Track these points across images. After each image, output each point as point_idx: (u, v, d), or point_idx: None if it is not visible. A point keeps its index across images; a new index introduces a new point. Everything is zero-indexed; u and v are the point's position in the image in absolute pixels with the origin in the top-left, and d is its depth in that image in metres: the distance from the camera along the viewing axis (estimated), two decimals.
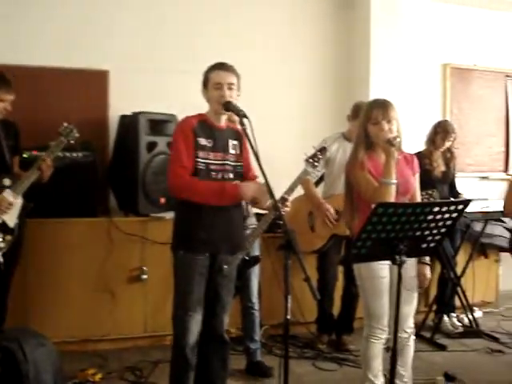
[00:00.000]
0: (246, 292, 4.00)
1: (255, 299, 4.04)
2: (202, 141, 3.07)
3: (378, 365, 3.35)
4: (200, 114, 3.16)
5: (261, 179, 2.81)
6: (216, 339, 3.30)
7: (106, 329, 4.32)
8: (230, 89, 3.08)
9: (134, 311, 4.41)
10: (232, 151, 3.19)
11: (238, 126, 3.63)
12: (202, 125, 3.11)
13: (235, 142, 3.22)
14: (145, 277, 4.39)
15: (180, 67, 4.30)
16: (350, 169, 3.34)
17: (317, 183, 4.74)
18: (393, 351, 2.74)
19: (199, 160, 3.05)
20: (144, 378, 3.87)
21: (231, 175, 3.16)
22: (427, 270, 3.39)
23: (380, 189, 3.11)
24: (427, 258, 3.41)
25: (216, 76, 3.09)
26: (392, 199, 3.08)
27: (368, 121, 3.25)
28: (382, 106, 3.24)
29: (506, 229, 5.56)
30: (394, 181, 3.11)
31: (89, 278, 4.30)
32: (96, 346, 4.30)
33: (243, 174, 3.25)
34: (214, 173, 3.09)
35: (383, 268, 3.22)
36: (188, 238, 3.12)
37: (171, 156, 3.14)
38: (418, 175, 3.40)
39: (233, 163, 3.17)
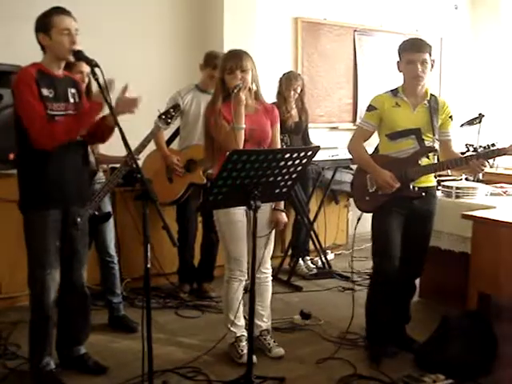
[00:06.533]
0: (103, 246, 3.97)
1: (113, 252, 4.01)
2: (45, 91, 2.94)
3: (238, 307, 3.50)
4: (35, 64, 2.99)
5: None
6: (76, 294, 3.28)
7: None
8: (76, 35, 2.96)
9: None
10: (71, 100, 3.09)
11: (86, 78, 3.59)
12: (41, 74, 2.95)
13: (73, 91, 3.12)
14: None
15: (25, 14, 3.99)
16: (207, 116, 3.43)
17: (173, 135, 4.76)
18: (251, 292, 2.86)
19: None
20: (3, 339, 3.74)
21: None
22: (282, 216, 3.56)
23: (230, 133, 3.25)
24: (281, 206, 3.57)
25: (62, 21, 2.92)
26: (241, 144, 3.23)
27: (224, 70, 3.35)
28: (237, 56, 3.35)
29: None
30: (243, 126, 3.26)
31: None
32: None
33: None
34: None
35: (239, 213, 3.36)
36: (39, 194, 3.03)
37: (24, 110, 2.92)
38: (278, 125, 3.55)
39: (74, 112, 3.07)
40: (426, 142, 3.47)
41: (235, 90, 3.25)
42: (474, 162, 3.31)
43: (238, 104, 3.26)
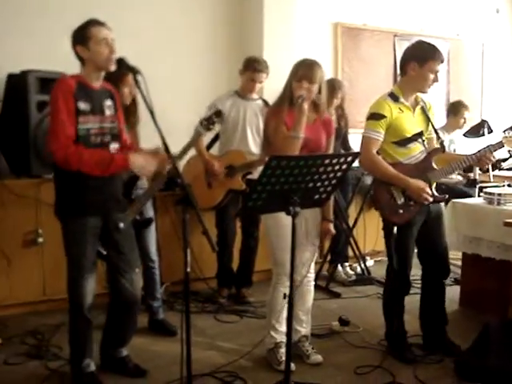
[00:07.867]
0: (145, 251, 3.98)
1: (155, 257, 4.06)
2: (82, 105, 2.96)
3: (282, 312, 3.48)
4: (75, 76, 3.02)
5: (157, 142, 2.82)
6: (126, 298, 3.30)
7: (4, 295, 4.19)
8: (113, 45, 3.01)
9: (32, 275, 4.31)
10: (107, 112, 3.11)
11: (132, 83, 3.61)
12: (80, 86, 2.98)
13: (109, 103, 3.14)
14: (41, 240, 4.29)
15: (68, 24, 4.12)
16: (268, 118, 3.49)
17: (213, 141, 4.80)
18: (289, 297, 2.83)
19: (80, 126, 2.95)
20: (46, 341, 3.82)
21: (109, 137, 3.11)
22: (331, 227, 3.57)
23: (287, 140, 3.28)
24: (331, 216, 3.58)
25: (100, 31, 2.96)
26: (297, 152, 3.23)
27: (293, 77, 3.40)
28: (308, 66, 3.40)
29: None
30: (301, 135, 3.27)
31: None
32: None
33: (118, 135, 3.19)
34: (93, 137, 3.02)
35: (286, 217, 3.34)
36: (77, 201, 3.06)
37: (53, 122, 2.96)
38: (333, 138, 3.58)
39: (109, 125, 3.11)
40: (425, 143, 3.50)
41: (299, 100, 3.28)
42: (487, 155, 3.42)
43: (300, 114, 3.28)
